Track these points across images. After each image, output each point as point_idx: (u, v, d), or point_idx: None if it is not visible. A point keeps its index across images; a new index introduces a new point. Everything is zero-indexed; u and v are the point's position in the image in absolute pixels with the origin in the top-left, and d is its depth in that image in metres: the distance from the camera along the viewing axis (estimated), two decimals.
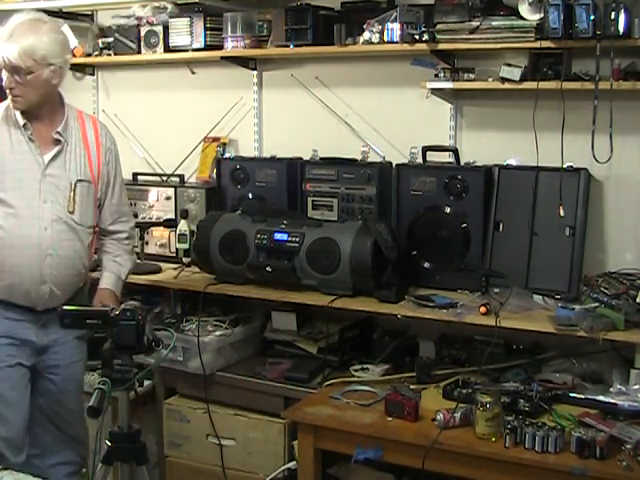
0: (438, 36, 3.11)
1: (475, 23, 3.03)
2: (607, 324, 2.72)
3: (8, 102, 2.76)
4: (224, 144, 3.88)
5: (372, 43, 3.22)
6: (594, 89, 2.88)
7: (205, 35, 3.67)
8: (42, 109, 2.78)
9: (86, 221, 2.86)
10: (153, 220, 3.78)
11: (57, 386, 2.90)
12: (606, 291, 2.88)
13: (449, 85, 3.23)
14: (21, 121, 2.75)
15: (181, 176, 3.90)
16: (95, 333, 2.91)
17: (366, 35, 3.23)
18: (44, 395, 2.90)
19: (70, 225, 2.81)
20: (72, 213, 2.80)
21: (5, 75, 2.71)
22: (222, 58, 3.68)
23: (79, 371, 3.00)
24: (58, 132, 2.80)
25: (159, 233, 3.77)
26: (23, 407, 2.83)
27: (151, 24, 3.83)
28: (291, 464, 3.05)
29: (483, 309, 2.89)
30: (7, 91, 2.74)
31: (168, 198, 3.78)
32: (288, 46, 3.42)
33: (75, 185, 2.80)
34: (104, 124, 3.04)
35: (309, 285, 3.21)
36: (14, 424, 2.80)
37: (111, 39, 3.96)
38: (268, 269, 3.22)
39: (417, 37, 3.13)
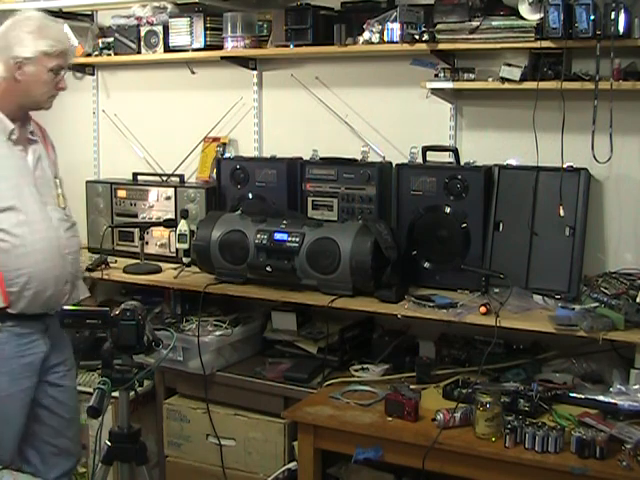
0: (438, 36, 3.10)
1: (475, 23, 3.03)
2: (607, 324, 2.71)
3: None
4: (224, 144, 3.88)
5: (372, 43, 3.22)
6: (594, 89, 2.87)
7: (205, 35, 3.67)
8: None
9: (72, 214, 2.88)
10: (153, 220, 3.78)
11: (61, 389, 2.85)
12: (606, 291, 2.88)
13: (449, 85, 3.23)
14: (10, 125, 2.66)
15: (181, 176, 3.89)
16: (76, 332, 2.92)
17: (366, 35, 3.23)
18: (47, 407, 2.83)
19: (69, 221, 2.82)
20: (64, 209, 2.80)
21: (59, 76, 2.68)
22: (222, 58, 3.68)
23: (75, 370, 2.97)
24: (31, 132, 2.76)
25: (159, 233, 3.77)
26: (21, 431, 2.75)
27: (151, 24, 3.83)
28: (291, 464, 3.05)
29: (483, 309, 2.88)
30: (51, 94, 2.70)
31: (168, 198, 3.77)
32: (288, 46, 3.42)
33: (58, 182, 2.80)
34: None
35: (309, 285, 3.20)
36: (9, 448, 2.72)
37: (111, 39, 3.96)
38: (268, 269, 3.22)
39: (417, 37, 3.12)
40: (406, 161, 3.36)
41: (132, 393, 2.48)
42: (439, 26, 3.10)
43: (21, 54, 2.60)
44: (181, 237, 3.59)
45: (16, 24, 2.66)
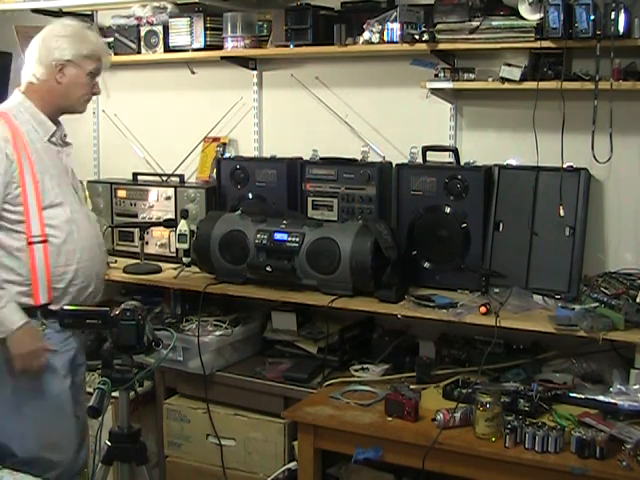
0: (438, 36, 3.10)
1: (475, 23, 3.03)
2: (607, 324, 2.71)
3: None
4: (224, 144, 3.89)
5: (372, 43, 3.22)
6: (594, 89, 2.88)
7: (205, 35, 3.67)
8: None
9: None
10: (153, 220, 3.78)
11: (80, 390, 2.90)
12: (606, 291, 2.88)
13: (449, 85, 3.23)
14: (52, 127, 2.73)
15: (181, 176, 3.89)
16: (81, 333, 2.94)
17: (366, 35, 3.23)
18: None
19: (97, 222, 2.90)
20: (93, 211, 2.95)
21: (95, 80, 2.77)
22: (222, 58, 3.68)
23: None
24: (65, 135, 2.82)
25: (159, 233, 3.77)
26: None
27: (151, 24, 3.84)
28: (291, 464, 3.05)
29: (483, 309, 2.88)
30: (87, 98, 2.77)
31: (168, 198, 3.77)
32: (288, 46, 3.42)
33: (85, 184, 2.90)
34: None
35: (309, 285, 3.20)
36: (73, 441, 2.80)
37: (111, 39, 3.96)
38: (268, 269, 3.21)
39: (417, 37, 3.12)
40: (406, 161, 3.36)
41: (132, 393, 2.48)
42: (439, 26, 3.10)
43: (63, 57, 2.68)
44: (181, 237, 3.58)
45: (54, 30, 2.73)
